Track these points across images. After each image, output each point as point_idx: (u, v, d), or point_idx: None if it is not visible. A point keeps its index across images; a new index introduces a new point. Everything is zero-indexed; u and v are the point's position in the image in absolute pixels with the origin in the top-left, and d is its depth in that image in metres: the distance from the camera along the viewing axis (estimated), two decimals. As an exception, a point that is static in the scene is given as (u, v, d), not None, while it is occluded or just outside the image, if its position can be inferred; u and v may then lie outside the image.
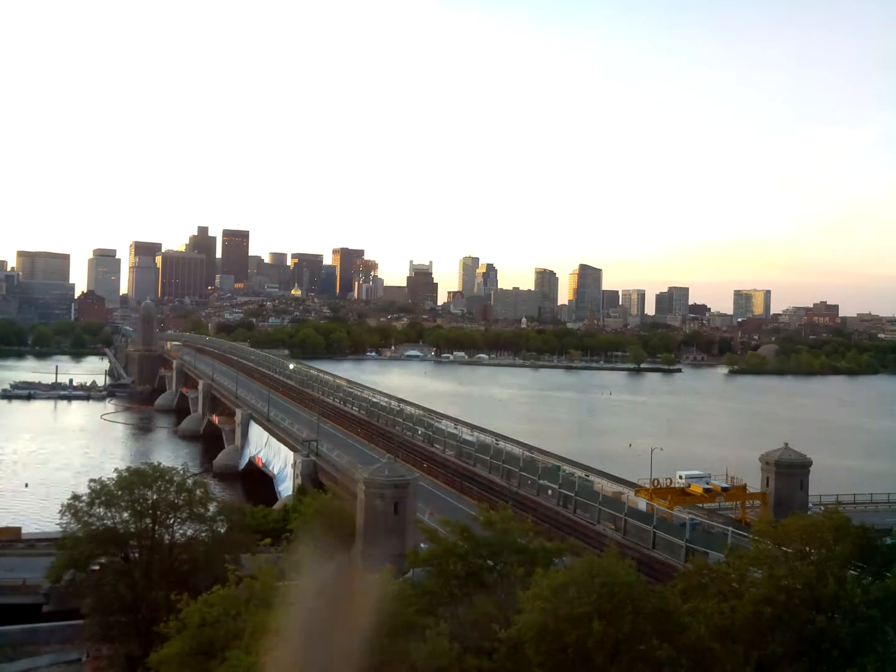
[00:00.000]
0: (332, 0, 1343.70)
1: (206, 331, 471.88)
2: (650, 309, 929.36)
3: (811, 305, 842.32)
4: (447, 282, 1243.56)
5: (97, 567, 53.40)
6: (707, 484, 67.92)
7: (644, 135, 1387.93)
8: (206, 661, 36.81)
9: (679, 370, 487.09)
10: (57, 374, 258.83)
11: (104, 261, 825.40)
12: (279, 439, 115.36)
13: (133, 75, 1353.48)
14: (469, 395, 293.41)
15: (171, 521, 55.37)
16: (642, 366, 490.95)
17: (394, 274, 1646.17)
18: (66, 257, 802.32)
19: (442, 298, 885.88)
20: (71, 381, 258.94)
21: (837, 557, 37.15)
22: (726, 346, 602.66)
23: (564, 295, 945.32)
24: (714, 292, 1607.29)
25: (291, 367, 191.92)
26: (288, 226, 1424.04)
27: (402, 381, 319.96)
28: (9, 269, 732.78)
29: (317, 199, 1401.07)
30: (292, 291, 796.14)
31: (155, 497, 54.66)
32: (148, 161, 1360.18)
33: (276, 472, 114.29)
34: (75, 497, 54.97)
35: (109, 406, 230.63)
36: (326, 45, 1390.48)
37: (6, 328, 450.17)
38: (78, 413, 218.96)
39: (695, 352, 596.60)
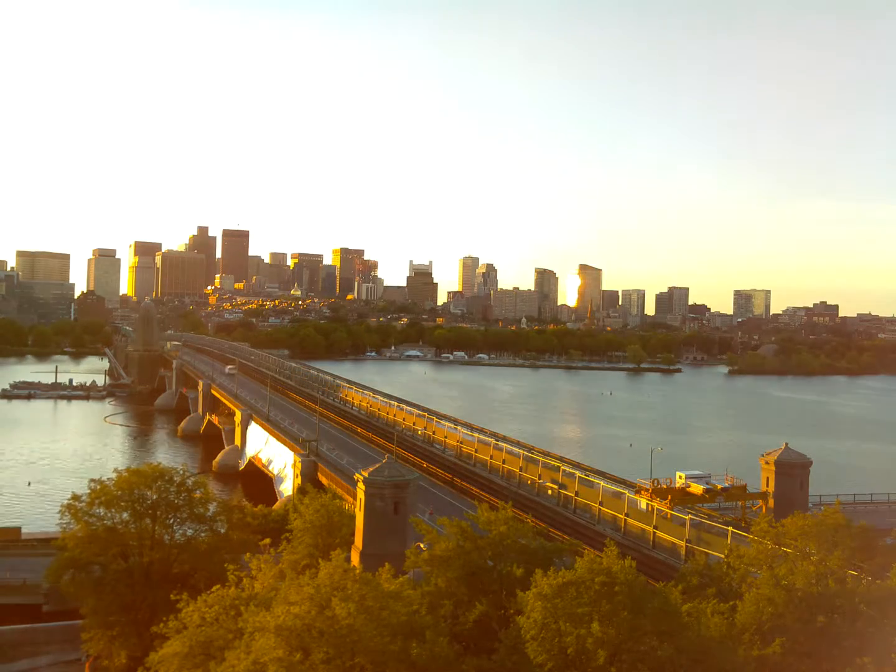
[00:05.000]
0: (332, 6, 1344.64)
1: (205, 331, 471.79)
2: (650, 309, 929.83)
3: (811, 305, 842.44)
4: (447, 282, 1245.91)
5: (97, 567, 53.38)
6: (707, 484, 67.83)
7: (641, 135, 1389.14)
8: (206, 662, 36.83)
9: (679, 370, 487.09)
10: (57, 374, 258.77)
11: (104, 261, 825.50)
12: (279, 439, 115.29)
13: (134, 76, 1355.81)
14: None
15: (171, 521, 55.39)
16: (642, 366, 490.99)
17: (394, 274, 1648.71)
18: (66, 257, 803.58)
19: (442, 298, 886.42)
20: (71, 380, 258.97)
21: (837, 557, 37.12)
22: (726, 346, 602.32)
23: (564, 295, 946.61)
24: (714, 292, 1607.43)
25: (293, 364, 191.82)
26: (288, 226, 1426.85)
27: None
28: (9, 269, 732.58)
29: (317, 199, 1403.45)
30: (292, 291, 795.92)
31: (155, 497, 54.69)
32: (148, 161, 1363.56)
33: (276, 472, 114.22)
34: (75, 497, 55.00)
35: (109, 406, 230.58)
36: (326, 49, 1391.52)
37: (6, 328, 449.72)
38: (78, 413, 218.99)
39: (695, 352, 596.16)
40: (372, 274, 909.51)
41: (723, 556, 45.67)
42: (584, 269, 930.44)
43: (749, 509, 68.71)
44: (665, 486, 66.44)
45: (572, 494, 67.31)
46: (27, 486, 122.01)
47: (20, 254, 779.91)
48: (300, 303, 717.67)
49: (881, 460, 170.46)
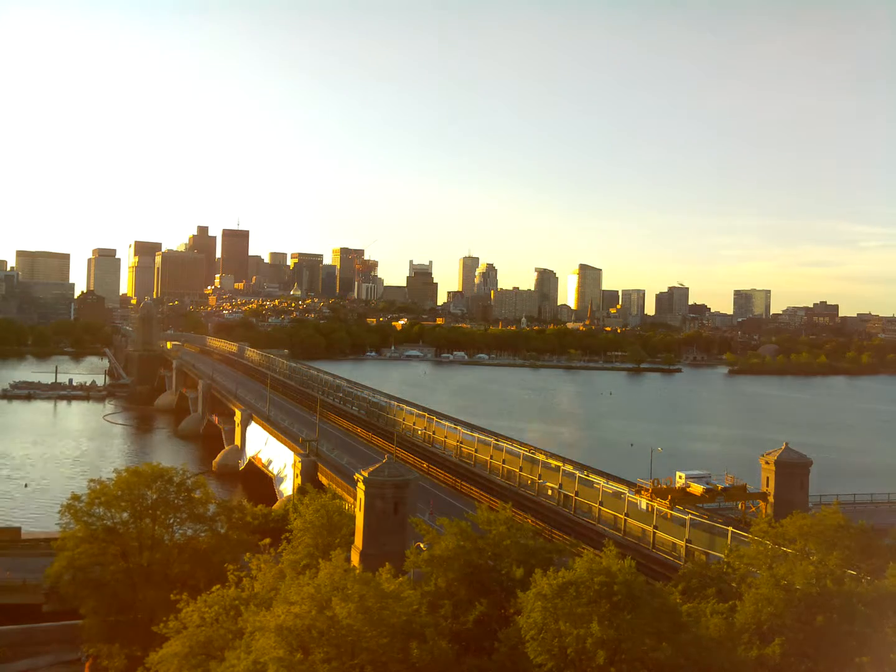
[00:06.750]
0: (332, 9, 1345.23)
1: (205, 331, 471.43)
2: (650, 309, 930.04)
3: (811, 305, 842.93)
4: (447, 282, 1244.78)
5: (97, 567, 53.42)
6: (707, 484, 67.83)
7: (644, 132, 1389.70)
8: (206, 662, 36.87)
9: (679, 370, 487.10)
10: (57, 374, 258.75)
11: (104, 261, 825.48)
12: (279, 439, 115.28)
13: (134, 77, 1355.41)
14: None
15: (171, 522, 55.47)
16: (642, 366, 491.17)
17: (394, 274, 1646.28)
18: (66, 257, 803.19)
19: (442, 298, 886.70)
20: (71, 380, 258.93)
21: (837, 557, 37.15)
22: (726, 346, 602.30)
23: (564, 295, 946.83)
24: (714, 292, 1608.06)
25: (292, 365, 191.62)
26: (288, 226, 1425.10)
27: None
28: (9, 269, 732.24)
29: (317, 199, 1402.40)
30: (292, 291, 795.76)
31: (154, 497, 54.75)
32: (148, 161, 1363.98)
33: (276, 472, 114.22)
34: (75, 497, 55.08)
35: (109, 406, 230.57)
36: (324, 50, 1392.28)
37: (6, 328, 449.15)
38: (78, 413, 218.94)
39: (695, 352, 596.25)
40: (372, 274, 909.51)
41: (723, 556, 45.71)
42: (584, 269, 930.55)
43: (749, 509, 68.74)
44: (665, 486, 66.44)
45: (572, 494, 67.34)
46: (24, 487, 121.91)
47: (20, 254, 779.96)
48: (300, 303, 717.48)
49: (881, 460, 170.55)
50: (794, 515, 43.83)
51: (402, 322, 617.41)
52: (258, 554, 47.10)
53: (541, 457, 77.15)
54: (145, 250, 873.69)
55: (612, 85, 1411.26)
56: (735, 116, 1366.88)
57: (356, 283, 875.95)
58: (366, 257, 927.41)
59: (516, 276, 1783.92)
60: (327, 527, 53.87)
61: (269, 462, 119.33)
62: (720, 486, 67.52)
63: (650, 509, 60.66)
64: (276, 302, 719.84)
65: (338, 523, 54.57)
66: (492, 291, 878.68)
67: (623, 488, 66.28)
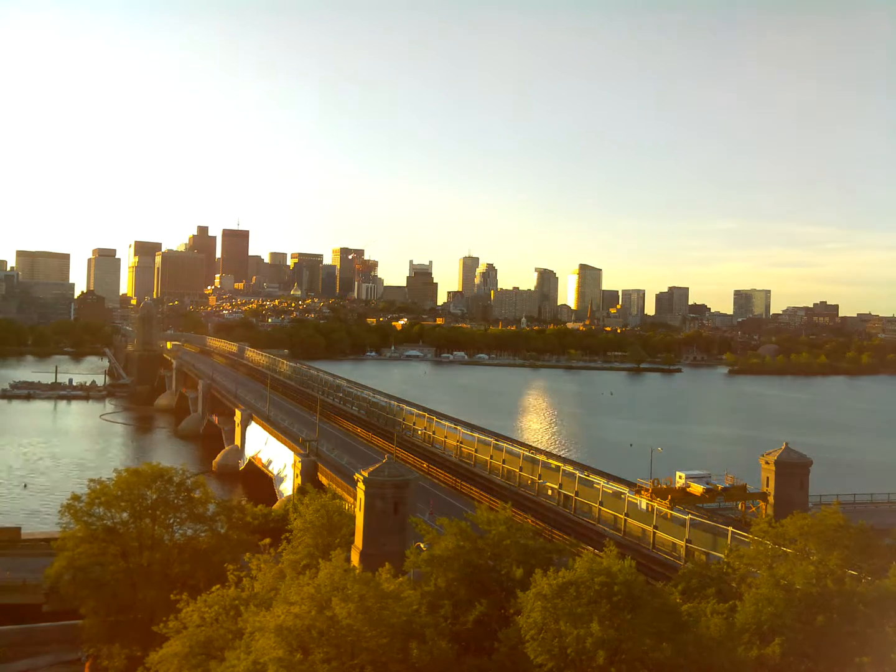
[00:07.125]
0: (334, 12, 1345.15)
1: (205, 331, 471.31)
2: (650, 309, 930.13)
3: (811, 305, 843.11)
4: (447, 282, 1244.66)
5: (97, 567, 53.42)
6: (707, 484, 67.80)
7: (640, 131, 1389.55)
8: (206, 662, 36.87)
9: (679, 370, 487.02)
10: (57, 374, 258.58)
11: (104, 261, 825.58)
12: (279, 439, 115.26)
13: (133, 76, 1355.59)
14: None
15: (171, 522, 55.46)
16: (642, 366, 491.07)
17: (394, 274, 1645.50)
18: (66, 257, 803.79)
19: (442, 298, 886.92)
20: (71, 380, 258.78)
21: (837, 557, 37.13)
22: (726, 346, 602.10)
23: (564, 295, 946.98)
24: (714, 292, 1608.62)
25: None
26: (288, 226, 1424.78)
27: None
28: (9, 269, 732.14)
29: (317, 199, 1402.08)
30: (292, 291, 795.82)
31: (154, 497, 54.75)
32: (148, 161, 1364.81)
33: (276, 472, 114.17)
34: (75, 497, 55.08)
35: (109, 406, 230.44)
36: (324, 51, 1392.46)
37: (6, 328, 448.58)
38: (77, 413, 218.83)
39: (695, 352, 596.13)
40: (372, 274, 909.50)
41: (723, 556, 45.70)
42: (584, 269, 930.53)
43: (749, 509, 68.73)
44: (665, 486, 66.44)
45: (572, 495, 67.30)
46: (24, 488, 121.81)
47: (20, 254, 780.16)
48: (300, 303, 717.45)
49: (881, 460, 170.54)
50: (794, 515, 43.73)
51: (402, 322, 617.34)
52: (258, 554, 47.11)
53: (541, 457, 77.09)
54: (145, 250, 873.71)
55: (613, 86, 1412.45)
56: (734, 116, 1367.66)
57: (356, 283, 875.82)
58: (366, 257, 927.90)
59: (516, 276, 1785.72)
60: (327, 527, 53.86)
61: (269, 462, 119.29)
62: (720, 486, 67.50)
63: (650, 509, 60.61)
64: (276, 302, 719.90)
65: (338, 523, 54.55)
66: (492, 291, 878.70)
67: (623, 488, 66.23)
